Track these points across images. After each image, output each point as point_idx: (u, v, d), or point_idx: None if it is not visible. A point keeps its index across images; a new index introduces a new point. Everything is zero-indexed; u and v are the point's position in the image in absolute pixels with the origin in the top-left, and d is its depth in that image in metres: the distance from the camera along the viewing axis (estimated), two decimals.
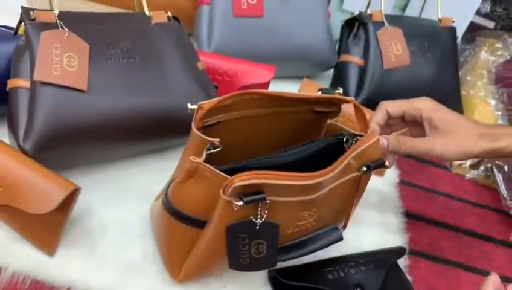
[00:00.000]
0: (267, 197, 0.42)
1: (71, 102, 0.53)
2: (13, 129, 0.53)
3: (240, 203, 0.40)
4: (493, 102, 0.87)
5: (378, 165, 0.50)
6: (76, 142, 0.54)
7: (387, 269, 0.58)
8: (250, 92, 0.48)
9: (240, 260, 0.45)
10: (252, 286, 0.55)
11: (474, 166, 0.84)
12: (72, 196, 0.49)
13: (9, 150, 0.52)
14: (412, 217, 0.73)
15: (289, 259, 0.50)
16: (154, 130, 0.60)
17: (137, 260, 0.54)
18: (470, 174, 0.84)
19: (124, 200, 0.59)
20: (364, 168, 0.49)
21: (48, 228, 0.51)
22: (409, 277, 0.62)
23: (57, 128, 0.52)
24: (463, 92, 0.89)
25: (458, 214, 0.77)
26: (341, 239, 0.52)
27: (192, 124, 0.45)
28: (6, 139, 0.55)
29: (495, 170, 0.79)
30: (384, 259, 0.59)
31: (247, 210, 0.42)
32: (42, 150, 0.52)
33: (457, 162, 0.85)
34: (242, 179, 0.40)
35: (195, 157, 0.43)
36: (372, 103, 0.78)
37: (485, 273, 0.69)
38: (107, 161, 0.62)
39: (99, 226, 0.56)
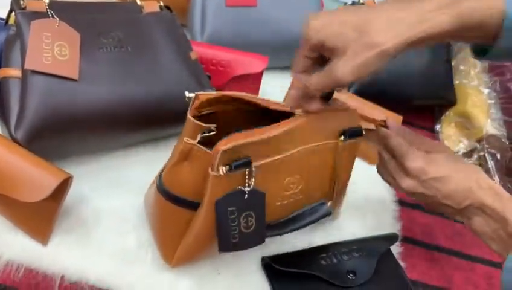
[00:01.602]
0: (253, 163, 0.44)
1: (62, 91, 0.53)
2: (5, 119, 0.53)
3: (227, 168, 0.43)
4: (486, 91, 0.87)
5: (354, 133, 0.51)
6: (69, 131, 0.54)
7: (380, 256, 0.58)
8: (248, 100, 0.49)
9: (230, 239, 0.46)
10: (246, 272, 0.56)
11: (467, 154, 0.85)
12: (64, 185, 0.50)
13: (1, 139, 0.52)
14: (405, 205, 0.73)
15: (279, 234, 0.50)
16: (146, 120, 0.60)
17: (132, 248, 0.54)
18: None
19: (118, 190, 0.59)
20: (342, 137, 0.50)
21: (41, 216, 0.51)
22: (401, 264, 0.63)
23: (49, 118, 0.52)
24: (456, 82, 0.89)
25: None
26: (329, 214, 0.52)
27: (188, 112, 0.46)
28: None
29: (488, 158, 0.80)
30: (376, 246, 0.60)
31: (234, 181, 0.44)
32: (34, 140, 0.52)
33: None
34: (226, 143, 0.43)
35: (189, 139, 0.45)
36: (365, 92, 0.79)
37: (478, 260, 0.70)
38: (100, 151, 0.62)
39: (93, 215, 0.56)
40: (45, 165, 0.50)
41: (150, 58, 0.61)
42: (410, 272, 0.63)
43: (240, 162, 0.43)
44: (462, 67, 0.91)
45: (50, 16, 0.55)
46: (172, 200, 0.47)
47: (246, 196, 0.45)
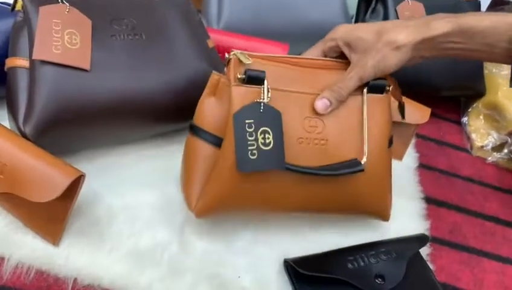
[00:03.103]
0: (269, 85, 0.48)
1: (73, 82, 0.49)
2: (13, 112, 0.50)
3: (243, 75, 0.47)
4: None
5: (379, 85, 0.52)
6: (80, 125, 0.51)
7: (409, 259, 0.55)
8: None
9: (248, 154, 0.46)
10: (267, 276, 0.53)
11: (496, 148, 0.80)
12: (76, 183, 0.46)
13: (10, 134, 0.49)
14: (432, 203, 0.70)
15: (304, 171, 0.49)
16: (162, 111, 0.56)
17: (147, 249, 0.51)
18: (492, 157, 0.80)
19: (132, 187, 0.56)
20: (365, 89, 0.52)
21: (52, 216, 0.48)
22: (431, 266, 0.59)
23: (59, 111, 0.49)
24: (486, 71, 0.85)
25: (480, 198, 0.74)
26: (361, 170, 0.50)
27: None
28: (6, 123, 0.52)
29: None
30: (405, 248, 0.56)
31: (251, 98, 0.47)
32: (44, 134, 0.49)
33: (478, 144, 0.81)
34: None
35: (216, 73, 0.50)
36: None
37: (510, 261, 0.66)
38: (113, 145, 0.59)
39: (106, 214, 0.53)
40: (57, 163, 0.47)
41: (166, 47, 0.57)
42: (439, 274, 0.60)
43: (254, 73, 0.47)
44: None
45: (60, 1, 0.51)
46: (199, 135, 0.50)
47: (262, 109, 0.47)
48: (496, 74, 0.85)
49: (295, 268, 0.51)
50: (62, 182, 0.45)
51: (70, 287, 0.47)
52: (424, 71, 0.79)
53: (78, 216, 0.51)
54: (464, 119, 0.84)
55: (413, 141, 0.78)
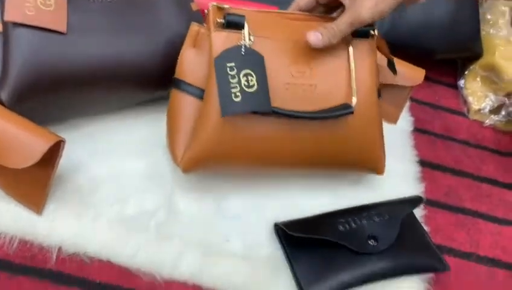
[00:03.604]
0: (251, 33, 0.47)
1: (50, 46, 0.47)
2: None
3: (222, 20, 0.46)
4: None
5: (363, 31, 0.51)
6: (58, 91, 0.49)
7: (403, 220, 0.54)
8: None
9: (231, 96, 0.45)
10: (257, 239, 0.52)
11: (493, 111, 0.78)
12: (56, 149, 0.45)
13: None
14: (427, 166, 0.68)
15: (291, 114, 0.48)
16: (144, 77, 0.54)
17: (134, 215, 0.50)
18: (489, 120, 0.78)
19: (118, 154, 0.55)
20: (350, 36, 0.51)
21: (34, 184, 0.47)
22: (425, 228, 0.58)
23: (35, 76, 0.47)
24: (483, 32, 0.82)
25: (477, 161, 0.72)
26: (351, 112, 0.49)
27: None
28: None
29: None
30: (399, 209, 0.55)
31: (232, 41, 0.47)
32: (20, 101, 0.47)
33: (475, 108, 0.79)
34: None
35: (196, 23, 0.50)
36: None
37: (506, 222, 0.65)
38: (98, 114, 0.57)
39: (90, 182, 0.52)
40: (34, 129, 0.45)
41: (147, 10, 0.55)
42: (434, 236, 0.59)
43: (234, 17, 0.47)
44: (489, 17, 0.84)
45: None
46: (181, 88, 0.50)
47: (243, 52, 0.46)
48: (494, 34, 0.82)
49: (285, 231, 0.50)
50: (40, 147, 0.43)
51: (54, 256, 0.46)
52: (420, 34, 0.77)
53: (61, 184, 0.50)
54: (461, 82, 0.82)
55: (408, 104, 0.76)
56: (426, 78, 0.81)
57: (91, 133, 0.56)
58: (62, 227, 0.48)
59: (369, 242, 0.51)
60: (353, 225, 0.52)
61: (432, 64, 0.82)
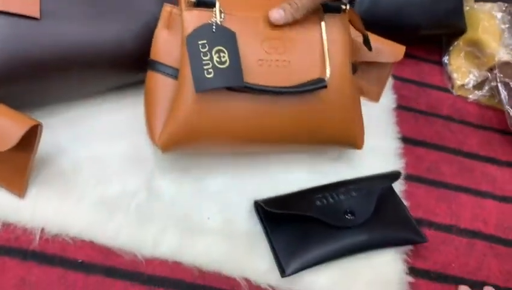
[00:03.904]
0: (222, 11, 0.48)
1: (23, 32, 0.48)
2: None
3: None
4: (499, 15, 0.80)
5: (334, 6, 0.52)
6: (34, 77, 0.50)
7: (381, 195, 0.55)
8: None
9: (204, 73, 0.45)
10: (237, 217, 0.53)
11: (477, 86, 0.79)
12: (34, 133, 0.46)
13: None
14: (409, 142, 0.69)
15: (264, 89, 0.48)
16: (122, 61, 0.55)
17: (116, 196, 0.51)
18: (473, 95, 0.78)
19: (99, 137, 0.56)
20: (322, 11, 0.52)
21: (15, 169, 0.48)
22: (406, 203, 0.59)
23: (9, 63, 0.47)
24: (467, 7, 0.82)
25: (460, 136, 0.73)
26: (325, 86, 0.50)
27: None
28: None
29: (500, 87, 0.74)
30: (377, 183, 0.56)
31: (203, 19, 0.48)
32: None
33: (459, 83, 0.79)
34: None
35: (168, 4, 0.50)
36: (366, 23, 0.72)
37: (487, 196, 0.66)
38: (77, 98, 0.58)
39: (72, 165, 0.53)
40: (11, 114, 0.46)
41: None
42: (415, 211, 0.60)
43: None
44: None
45: None
46: (157, 69, 0.50)
47: (214, 29, 0.47)
48: (477, 9, 0.82)
49: (264, 208, 0.51)
50: (16, 131, 0.44)
51: (38, 237, 0.48)
52: (401, 10, 0.77)
53: (44, 168, 0.51)
54: (445, 59, 0.82)
55: (391, 82, 0.77)
56: (411, 56, 0.82)
57: (72, 118, 0.56)
58: (45, 209, 0.49)
59: (346, 216, 0.52)
60: (330, 199, 0.53)
61: (417, 42, 0.83)
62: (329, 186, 0.55)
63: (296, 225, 0.51)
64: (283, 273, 0.49)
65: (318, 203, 0.52)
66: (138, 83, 0.60)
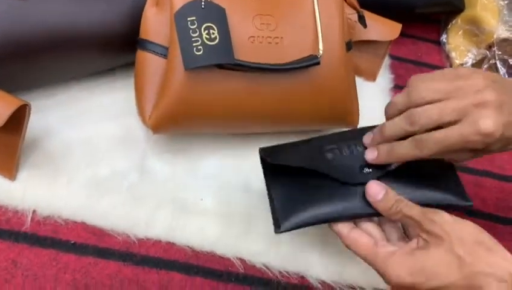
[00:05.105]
0: None
1: (8, 12, 0.47)
2: None
3: None
4: None
5: None
6: (22, 59, 0.49)
7: None
8: None
9: (193, 50, 0.45)
10: (231, 198, 0.52)
11: (476, 65, 0.77)
12: (22, 114, 0.45)
13: None
14: None
15: (255, 66, 0.47)
16: (112, 42, 0.54)
17: (107, 178, 0.51)
18: None
19: (91, 119, 0.55)
20: None
21: (4, 151, 0.48)
22: None
23: None
24: None
25: None
26: (318, 63, 0.48)
27: None
28: None
29: (499, 65, 0.73)
30: None
31: None
32: None
33: (458, 62, 0.78)
34: None
35: None
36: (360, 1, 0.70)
37: (487, 175, 0.65)
38: (66, 81, 0.57)
39: (62, 146, 0.52)
40: None
41: None
42: None
43: None
44: None
45: None
46: (146, 48, 0.50)
47: (203, 5, 0.46)
48: None
49: (266, 160, 0.44)
50: (4, 112, 0.43)
51: (29, 219, 0.47)
52: None
53: (34, 150, 0.51)
54: (443, 38, 0.81)
55: (388, 62, 0.75)
56: (409, 35, 0.81)
57: (64, 100, 0.56)
58: (36, 191, 0.48)
59: (364, 171, 0.43)
60: (344, 152, 0.45)
61: (416, 21, 0.81)
62: (341, 135, 0.47)
63: (302, 180, 0.44)
64: (278, 228, 0.42)
65: (329, 155, 0.44)
66: (129, 65, 0.60)
